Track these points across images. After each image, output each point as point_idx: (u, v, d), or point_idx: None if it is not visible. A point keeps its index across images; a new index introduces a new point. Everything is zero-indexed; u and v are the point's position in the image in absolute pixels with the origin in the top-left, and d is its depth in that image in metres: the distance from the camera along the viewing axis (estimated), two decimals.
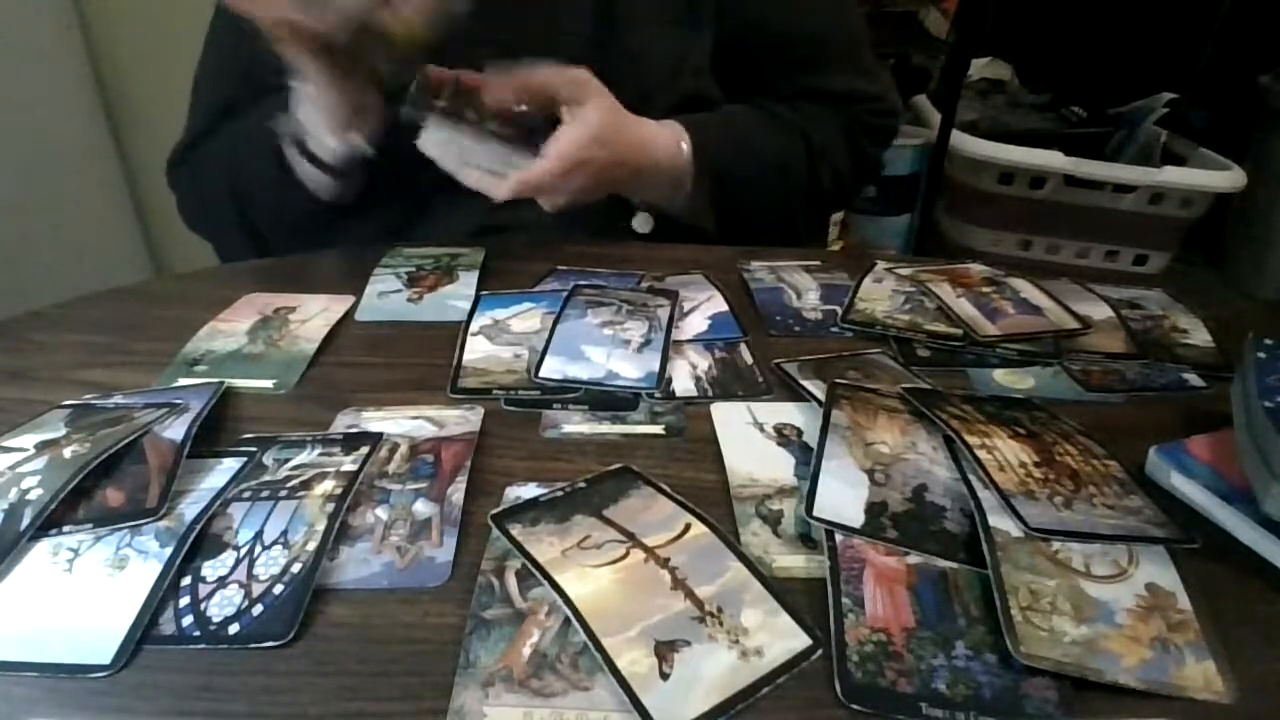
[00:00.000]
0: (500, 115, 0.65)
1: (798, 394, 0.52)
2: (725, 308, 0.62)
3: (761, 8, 0.76)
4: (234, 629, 0.35)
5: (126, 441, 0.43)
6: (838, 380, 0.51)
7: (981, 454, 0.43)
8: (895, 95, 0.86)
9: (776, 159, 0.76)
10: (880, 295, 0.64)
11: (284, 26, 0.56)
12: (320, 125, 0.65)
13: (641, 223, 0.77)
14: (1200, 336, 0.61)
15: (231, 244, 0.80)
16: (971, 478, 0.42)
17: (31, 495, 0.40)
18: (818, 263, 0.71)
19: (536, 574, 0.37)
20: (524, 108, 0.65)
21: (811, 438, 0.47)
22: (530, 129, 0.65)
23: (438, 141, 0.64)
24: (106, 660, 0.34)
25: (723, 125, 0.75)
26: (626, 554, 0.38)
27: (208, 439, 0.46)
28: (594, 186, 0.66)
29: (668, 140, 0.70)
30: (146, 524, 0.40)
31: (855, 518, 0.40)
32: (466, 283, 0.65)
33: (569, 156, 0.62)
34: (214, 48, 0.77)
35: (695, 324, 0.60)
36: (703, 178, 0.72)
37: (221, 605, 0.36)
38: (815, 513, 0.40)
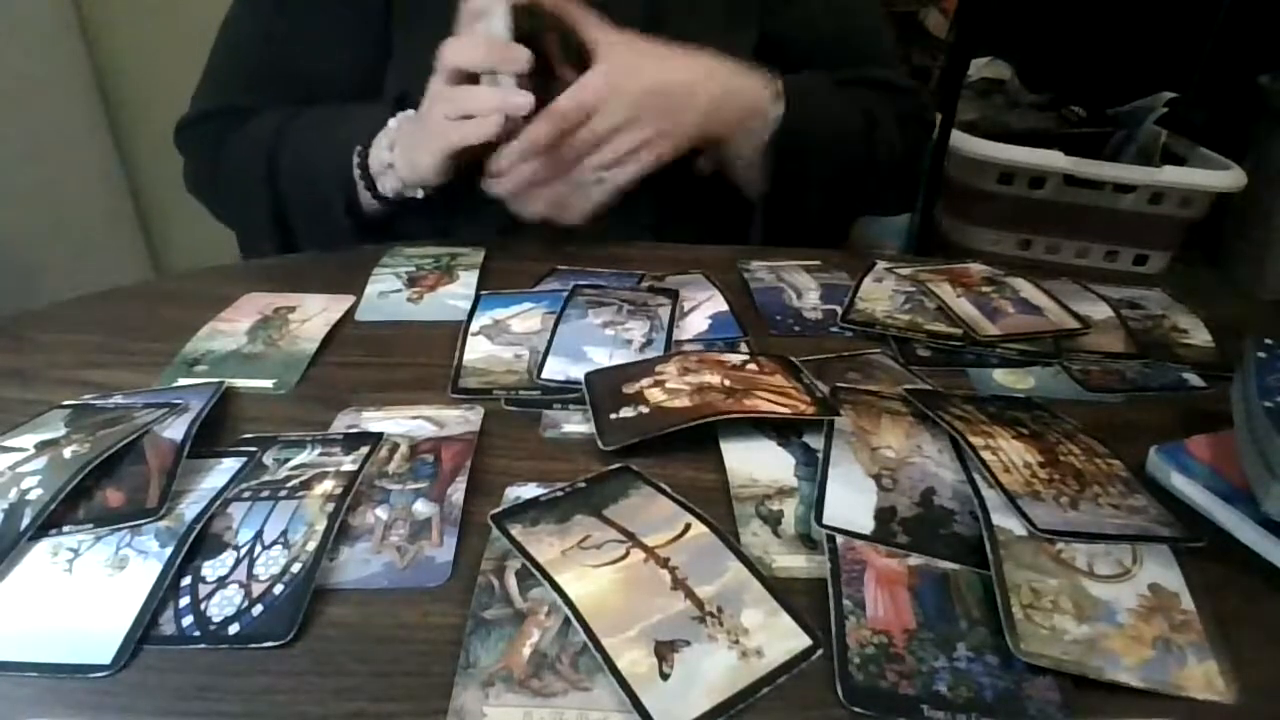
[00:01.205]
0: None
1: None
2: (725, 307, 0.62)
3: (807, 8, 0.76)
4: (234, 629, 0.35)
5: (126, 441, 0.43)
6: (838, 384, 0.51)
7: (986, 455, 0.43)
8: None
9: (844, 122, 0.75)
10: (880, 295, 0.64)
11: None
12: (395, 165, 0.67)
13: (705, 163, 0.75)
14: (1200, 336, 0.61)
15: (241, 219, 0.79)
16: (977, 478, 0.42)
17: (31, 495, 0.40)
18: (818, 263, 0.71)
19: (536, 574, 0.37)
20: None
21: (811, 438, 0.47)
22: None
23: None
24: (106, 660, 0.34)
25: (801, 81, 0.73)
26: (626, 554, 0.38)
27: (208, 439, 0.46)
28: (648, 121, 0.65)
29: (746, 78, 0.69)
30: (146, 524, 0.39)
31: (865, 524, 0.40)
32: (466, 283, 0.65)
33: (578, 98, 0.62)
34: (237, 28, 0.76)
35: (695, 324, 0.60)
36: (783, 116, 0.70)
37: (221, 605, 0.36)
38: (825, 520, 0.40)
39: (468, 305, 0.62)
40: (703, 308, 0.62)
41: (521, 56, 0.61)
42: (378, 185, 0.69)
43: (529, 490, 0.43)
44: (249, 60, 0.76)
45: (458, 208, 0.75)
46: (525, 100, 0.61)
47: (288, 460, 0.44)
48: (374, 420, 0.49)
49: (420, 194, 0.68)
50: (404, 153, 0.67)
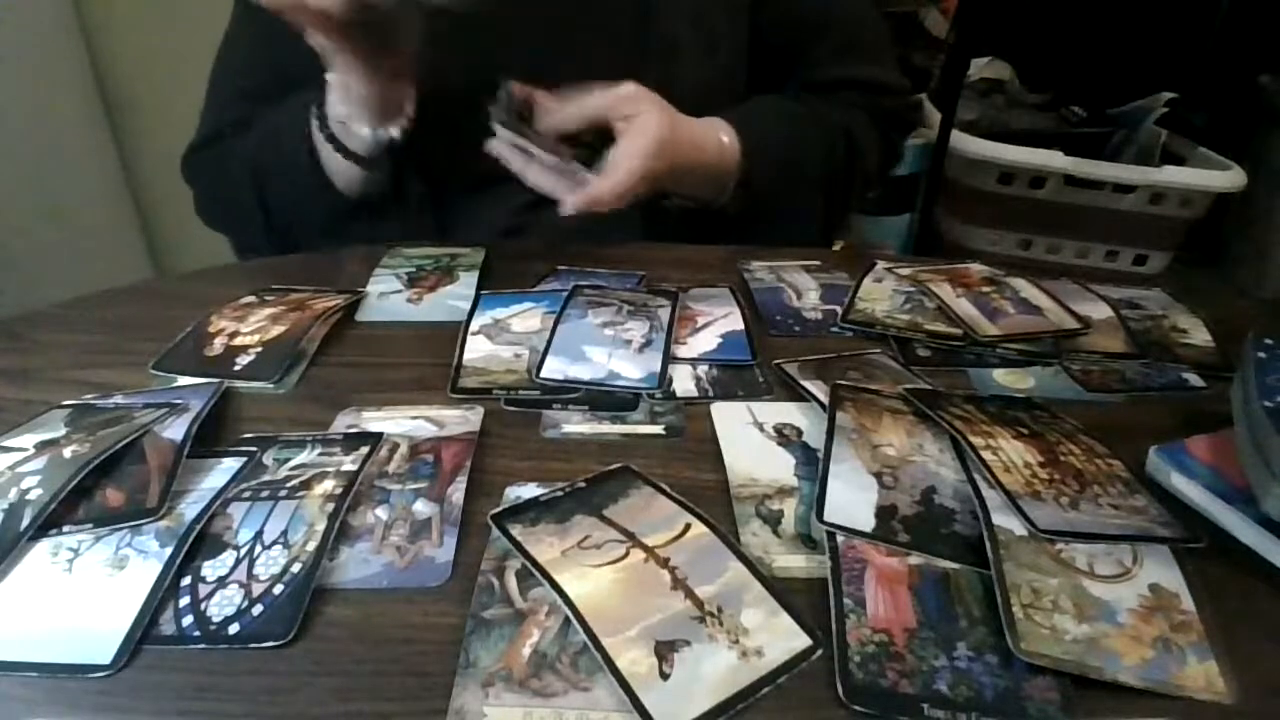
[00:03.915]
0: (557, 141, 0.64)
1: (798, 394, 0.51)
2: (740, 326, 0.59)
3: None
4: (234, 629, 0.35)
5: (126, 441, 0.43)
6: (840, 382, 0.51)
7: (987, 455, 0.43)
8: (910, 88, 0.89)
9: (818, 158, 0.76)
10: (880, 295, 0.64)
11: (301, 11, 0.55)
12: (353, 116, 0.66)
13: (673, 203, 0.75)
14: (1200, 336, 0.60)
15: (251, 240, 0.79)
16: (977, 478, 0.42)
17: (31, 495, 0.40)
18: (818, 263, 0.71)
19: (536, 574, 0.37)
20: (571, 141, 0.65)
21: (812, 438, 0.47)
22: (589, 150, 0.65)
23: (506, 141, 0.63)
24: (106, 660, 0.34)
25: (768, 123, 0.74)
26: (626, 554, 0.38)
27: (208, 439, 0.46)
28: (650, 191, 0.66)
29: (714, 139, 0.70)
30: (146, 524, 0.40)
31: (866, 522, 0.40)
32: (466, 283, 0.65)
33: (634, 172, 0.61)
34: (235, 43, 0.76)
35: (704, 342, 0.57)
36: (746, 174, 0.71)
37: (221, 605, 0.36)
38: (826, 517, 0.40)
39: (468, 305, 0.62)
40: (717, 324, 0.60)
41: None
42: (347, 144, 0.67)
43: (529, 490, 0.43)
44: (239, 85, 0.76)
45: (456, 210, 0.75)
46: None
47: (288, 460, 0.44)
48: (374, 420, 0.49)
49: (395, 133, 0.66)
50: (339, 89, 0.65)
